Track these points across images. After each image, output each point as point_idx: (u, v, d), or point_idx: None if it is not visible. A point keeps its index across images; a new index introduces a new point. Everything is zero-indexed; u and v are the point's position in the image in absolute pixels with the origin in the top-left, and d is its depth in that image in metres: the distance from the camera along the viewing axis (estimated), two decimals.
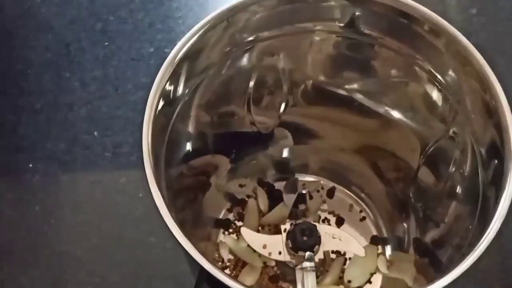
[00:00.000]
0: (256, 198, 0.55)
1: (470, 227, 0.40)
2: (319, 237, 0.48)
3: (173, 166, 0.43)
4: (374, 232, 0.55)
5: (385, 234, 0.55)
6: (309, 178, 0.57)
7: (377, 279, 0.52)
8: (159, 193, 0.36)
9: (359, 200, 0.57)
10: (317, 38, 0.47)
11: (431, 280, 0.35)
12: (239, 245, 0.52)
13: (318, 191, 0.56)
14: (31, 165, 0.59)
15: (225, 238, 0.54)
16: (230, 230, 0.54)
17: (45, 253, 0.55)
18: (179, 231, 0.35)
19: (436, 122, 0.46)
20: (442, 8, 0.66)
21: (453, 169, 0.45)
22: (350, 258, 0.53)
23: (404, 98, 0.48)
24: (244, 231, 0.50)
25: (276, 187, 0.56)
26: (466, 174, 0.44)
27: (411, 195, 0.52)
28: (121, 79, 0.63)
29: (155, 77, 0.40)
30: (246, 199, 0.56)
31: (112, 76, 0.64)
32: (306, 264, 0.47)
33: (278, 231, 0.50)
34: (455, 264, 0.35)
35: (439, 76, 0.44)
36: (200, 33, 0.42)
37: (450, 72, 0.43)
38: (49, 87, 0.63)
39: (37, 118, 0.61)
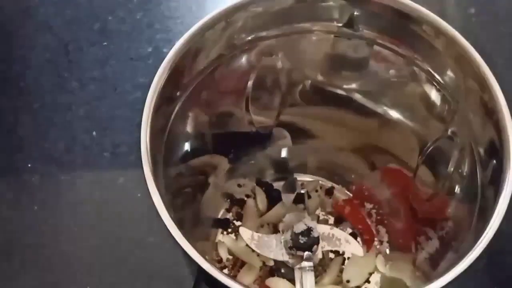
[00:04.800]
0: (254, 198, 0.55)
1: (469, 226, 0.40)
2: (318, 237, 0.48)
3: (172, 166, 0.43)
4: None
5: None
6: (307, 178, 0.57)
7: (376, 279, 0.52)
8: (157, 193, 0.36)
9: None
10: (315, 38, 0.47)
11: (430, 280, 0.35)
12: (238, 244, 0.52)
13: (316, 190, 0.56)
14: (30, 165, 0.59)
15: (223, 238, 0.54)
16: (229, 230, 0.54)
17: (44, 253, 0.55)
18: (178, 231, 0.35)
19: (435, 122, 0.46)
20: (441, 8, 0.66)
21: (452, 169, 0.45)
22: (348, 258, 0.53)
23: (403, 98, 0.48)
24: (243, 230, 0.50)
25: (275, 187, 0.56)
26: (464, 173, 0.44)
27: (409, 195, 0.52)
28: (120, 79, 0.63)
29: (154, 77, 0.40)
30: (245, 199, 0.56)
31: (111, 76, 0.64)
32: (305, 263, 0.47)
33: (276, 231, 0.50)
34: (453, 263, 0.35)
35: (437, 76, 0.44)
36: (198, 33, 0.42)
37: (449, 72, 0.43)
38: (48, 87, 0.63)
39: (35, 118, 0.61)
